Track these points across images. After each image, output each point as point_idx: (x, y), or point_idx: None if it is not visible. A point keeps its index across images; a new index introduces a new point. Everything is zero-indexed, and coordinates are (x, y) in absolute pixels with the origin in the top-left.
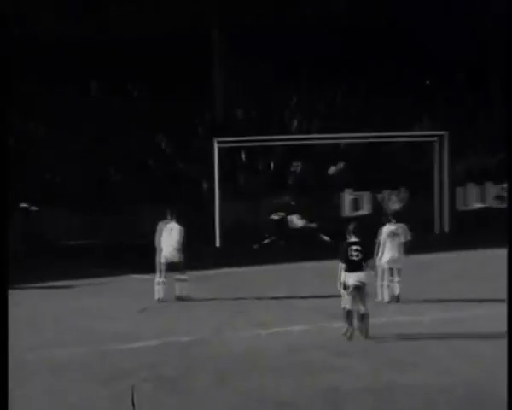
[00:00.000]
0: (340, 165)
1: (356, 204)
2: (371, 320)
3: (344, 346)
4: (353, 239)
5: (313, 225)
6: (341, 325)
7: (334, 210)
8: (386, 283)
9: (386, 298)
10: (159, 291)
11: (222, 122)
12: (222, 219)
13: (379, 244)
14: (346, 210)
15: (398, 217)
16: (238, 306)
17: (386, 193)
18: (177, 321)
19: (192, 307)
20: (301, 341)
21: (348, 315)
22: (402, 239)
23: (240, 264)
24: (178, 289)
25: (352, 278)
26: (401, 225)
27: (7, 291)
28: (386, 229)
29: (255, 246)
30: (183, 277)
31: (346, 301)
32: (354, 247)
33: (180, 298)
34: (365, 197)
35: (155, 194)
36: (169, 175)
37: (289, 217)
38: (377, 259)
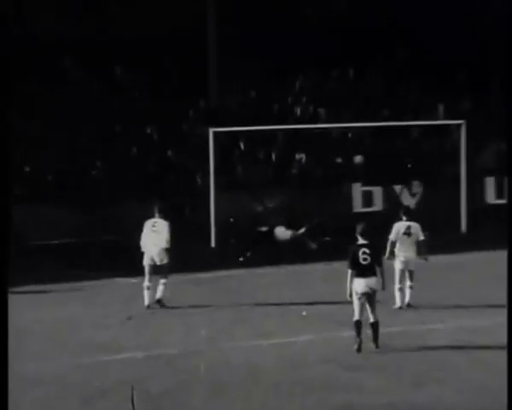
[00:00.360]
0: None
1: (368, 199)
2: (385, 330)
3: (354, 359)
4: (362, 241)
5: (302, 231)
6: (351, 334)
7: (342, 206)
8: (398, 286)
9: (399, 303)
10: (147, 297)
11: (219, 111)
12: (218, 216)
13: (391, 243)
14: (357, 206)
15: (412, 213)
16: (236, 313)
17: (402, 186)
18: (168, 330)
19: (184, 314)
20: (307, 353)
21: (357, 325)
22: (421, 237)
23: (237, 266)
24: (158, 294)
25: (360, 285)
26: (414, 223)
27: (7, 294)
28: (400, 226)
29: (240, 259)
30: (163, 280)
31: (355, 311)
32: (363, 250)
33: (157, 303)
34: (378, 191)
35: (147, 189)
36: (162, 168)
37: (275, 230)
38: (395, 260)
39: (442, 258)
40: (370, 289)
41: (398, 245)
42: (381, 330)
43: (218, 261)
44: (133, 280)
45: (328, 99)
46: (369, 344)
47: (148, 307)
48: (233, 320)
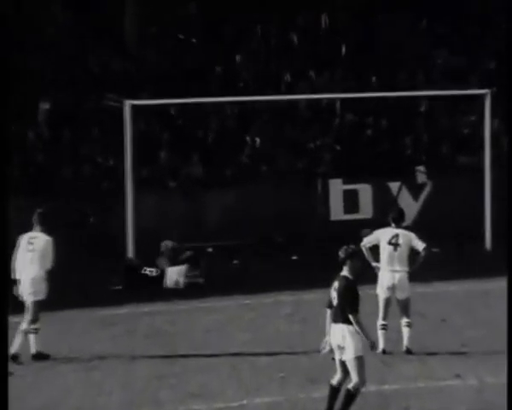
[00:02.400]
0: None
1: (352, 201)
2: (375, 388)
3: None
4: (343, 273)
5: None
6: (326, 395)
7: (314, 212)
8: (381, 322)
9: (381, 345)
10: (33, 343)
11: (140, 80)
12: (138, 226)
13: (364, 249)
14: (336, 211)
15: (405, 220)
16: (163, 366)
17: (401, 183)
18: (65, 390)
19: (88, 368)
20: None
21: (329, 392)
22: (420, 246)
23: (164, 298)
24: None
25: (332, 334)
26: (404, 231)
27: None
28: (384, 233)
29: (116, 287)
30: (33, 325)
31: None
32: (335, 284)
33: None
34: (367, 190)
35: (34, 187)
36: (56, 157)
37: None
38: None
39: (457, 285)
40: (337, 345)
41: (381, 260)
42: (371, 387)
43: (137, 292)
44: (16, 319)
45: (296, 59)
46: None
47: (34, 356)
48: (158, 376)
